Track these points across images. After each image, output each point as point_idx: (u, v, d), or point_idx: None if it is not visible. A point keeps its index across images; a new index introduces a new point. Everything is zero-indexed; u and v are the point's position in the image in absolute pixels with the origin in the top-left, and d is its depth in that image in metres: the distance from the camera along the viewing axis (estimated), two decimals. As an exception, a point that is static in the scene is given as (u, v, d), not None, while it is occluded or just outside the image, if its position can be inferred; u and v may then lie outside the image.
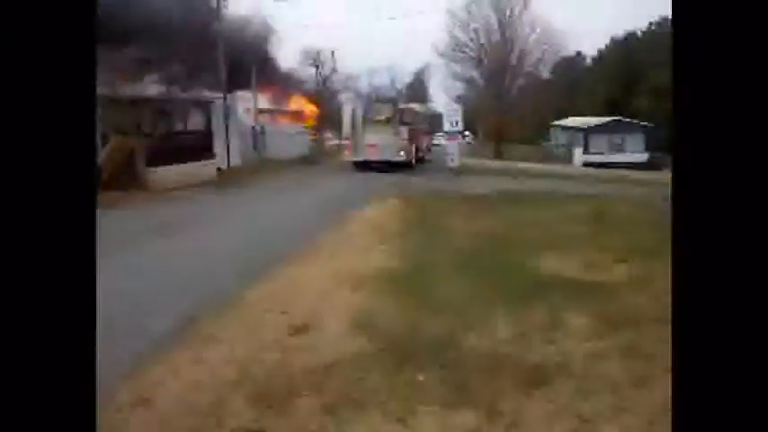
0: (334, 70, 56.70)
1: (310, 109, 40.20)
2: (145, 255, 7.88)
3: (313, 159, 29.07)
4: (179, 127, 19.35)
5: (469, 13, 40.27)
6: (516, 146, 44.88)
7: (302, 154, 30.93)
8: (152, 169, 17.44)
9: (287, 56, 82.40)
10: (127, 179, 16.82)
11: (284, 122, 37.68)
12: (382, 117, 22.01)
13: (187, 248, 8.43)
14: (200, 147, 20.06)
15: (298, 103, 40.82)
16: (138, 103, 16.68)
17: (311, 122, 38.38)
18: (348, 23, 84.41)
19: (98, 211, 2.11)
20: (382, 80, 57.85)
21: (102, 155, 16.86)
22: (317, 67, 57.91)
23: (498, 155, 39.75)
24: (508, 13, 38.95)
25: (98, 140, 16.89)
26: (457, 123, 13.13)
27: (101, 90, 16.06)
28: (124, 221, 10.70)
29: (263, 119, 34.05)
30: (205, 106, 20.34)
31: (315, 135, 37.24)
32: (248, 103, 28.32)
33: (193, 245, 8.74)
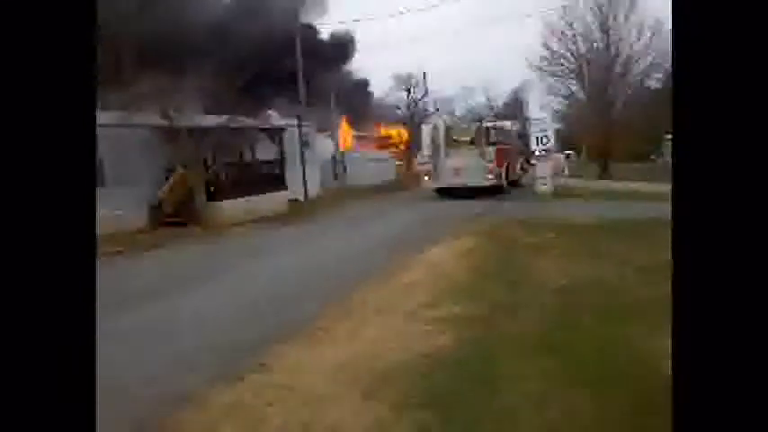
0: (425, 93, 55.66)
1: (398, 134, 38.71)
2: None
3: (397, 186, 27.29)
4: (247, 157, 18.14)
5: (566, 20, 37.02)
6: (625, 164, 40.64)
7: (385, 180, 29.32)
8: (216, 203, 16.30)
9: (378, 81, 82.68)
10: (187, 214, 15.78)
11: (370, 149, 36.36)
12: (466, 137, 19.73)
13: (160, 317, 6.60)
14: (271, 177, 18.79)
15: (385, 128, 39.58)
16: (202, 133, 15.57)
17: (399, 147, 36.79)
18: (442, 44, 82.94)
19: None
20: (478, 100, 55.88)
21: (164, 189, 15.97)
22: (408, 90, 57.06)
23: (603, 174, 35.90)
24: (611, 17, 35.26)
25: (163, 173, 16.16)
26: (546, 140, 10.59)
27: (162, 121, 15.27)
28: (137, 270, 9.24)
29: (347, 146, 33.00)
30: (276, 134, 19.07)
31: (402, 160, 35.73)
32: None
33: (174, 314, 6.76)
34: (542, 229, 10.90)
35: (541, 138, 10.67)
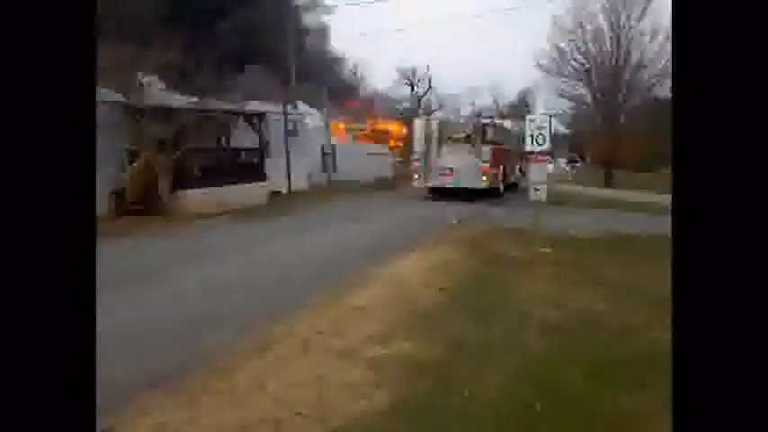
0: (429, 88, 54.20)
1: (396, 129, 37.22)
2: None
3: (390, 183, 25.88)
4: (222, 143, 16.69)
5: (576, 20, 35.44)
6: (631, 173, 39.11)
7: (380, 176, 27.89)
8: (182, 192, 14.89)
9: (382, 74, 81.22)
10: (150, 203, 14.38)
11: (367, 143, 34.89)
12: (461, 135, 18.25)
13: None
14: (248, 167, 17.35)
15: (383, 122, 38.14)
16: (167, 113, 14.13)
17: (395, 143, 35.29)
18: (449, 41, 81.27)
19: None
20: (484, 100, 54.39)
21: (127, 175, 14.56)
22: (411, 85, 55.68)
23: (608, 183, 34.42)
24: (623, 18, 33.65)
25: (124, 157, 14.75)
26: (543, 140, 9.12)
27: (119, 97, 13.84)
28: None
29: (341, 138, 31.57)
30: (256, 120, 17.62)
31: (401, 157, 34.34)
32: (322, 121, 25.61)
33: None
34: (534, 240, 9.48)
35: (537, 137, 9.17)
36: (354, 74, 44.86)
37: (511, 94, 56.74)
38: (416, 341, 4.70)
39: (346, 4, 60.80)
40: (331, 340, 4.69)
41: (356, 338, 4.72)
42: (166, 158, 14.04)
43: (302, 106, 24.05)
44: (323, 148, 24.93)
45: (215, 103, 14.99)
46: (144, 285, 6.91)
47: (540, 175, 9.59)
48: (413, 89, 55.36)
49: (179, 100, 14.33)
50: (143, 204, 14.36)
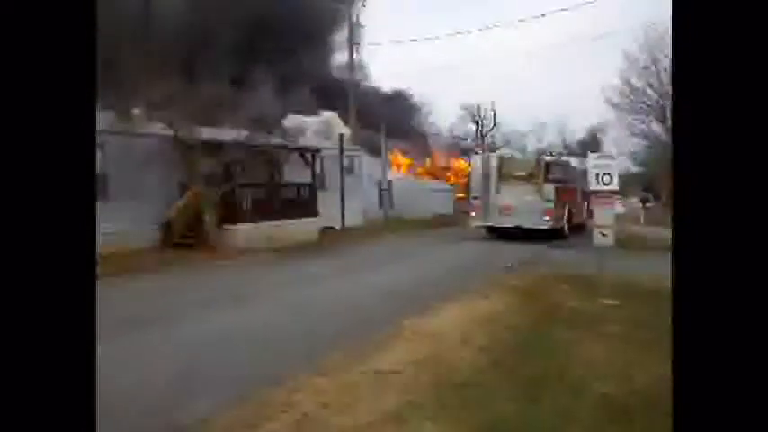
0: (494, 125, 53.20)
1: (458, 165, 36.46)
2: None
3: (449, 221, 24.96)
4: (275, 178, 16.37)
5: (650, 55, 33.83)
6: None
7: (439, 213, 27.07)
8: (231, 227, 14.60)
9: (447, 110, 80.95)
10: (197, 237, 14.14)
11: (428, 179, 34.27)
12: (523, 172, 17.20)
13: None
14: (300, 202, 16.96)
15: (445, 158, 37.51)
16: (216, 148, 13.96)
17: (457, 179, 34.46)
18: (517, 77, 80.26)
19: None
20: (552, 137, 52.86)
21: (174, 209, 14.43)
22: (476, 122, 54.91)
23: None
24: (702, 52, 31.85)
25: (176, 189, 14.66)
26: (609, 178, 8.11)
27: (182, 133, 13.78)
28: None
29: (401, 174, 31.09)
30: (309, 156, 17.27)
31: (463, 194, 33.51)
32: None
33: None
34: (600, 291, 8.36)
35: (602, 176, 8.16)
36: (418, 110, 44.53)
37: (580, 132, 54.75)
38: (442, 423, 3.81)
39: (410, 40, 61.34)
40: (336, 417, 3.87)
41: (367, 415, 3.89)
42: (213, 193, 13.79)
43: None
44: (380, 184, 24.46)
45: (265, 138, 14.69)
46: (138, 334, 6.34)
47: (606, 218, 8.52)
48: (477, 126, 54.65)
49: (228, 134, 14.10)
50: (191, 238, 14.15)
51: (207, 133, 13.73)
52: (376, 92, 35.81)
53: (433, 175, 34.52)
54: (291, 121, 19.49)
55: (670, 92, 33.67)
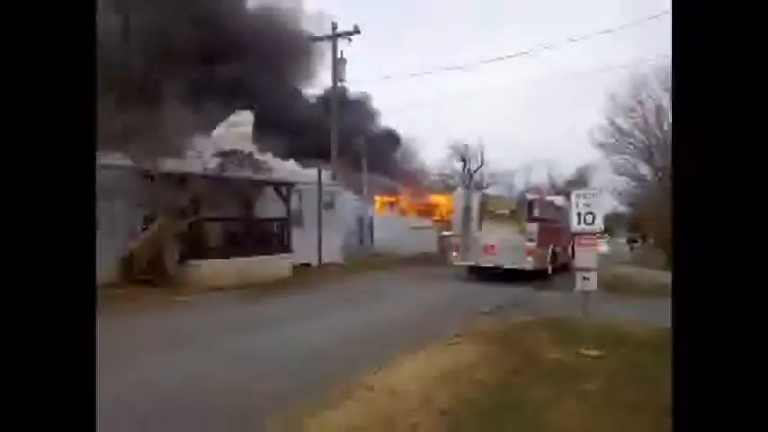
0: (481, 164, 52.99)
1: (443, 202, 35.90)
2: None
3: (431, 258, 24.18)
4: (241, 213, 15.59)
5: (635, 97, 33.79)
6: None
7: (423, 251, 26.32)
8: (195, 263, 13.77)
9: (434, 147, 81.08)
10: (159, 273, 13.29)
11: (413, 216, 33.65)
12: (505, 210, 16.58)
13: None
14: (272, 238, 16.21)
15: (429, 195, 36.97)
16: (180, 180, 13.24)
17: (441, 216, 33.86)
18: (505, 116, 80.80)
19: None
20: (539, 176, 52.72)
21: (137, 242, 13.59)
22: (463, 161, 54.72)
23: (670, 265, 31.59)
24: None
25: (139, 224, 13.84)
26: (592, 218, 7.47)
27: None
28: None
29: (384, 211, 30.48)
30: (284, 189, 16.58)
31: (449, 231, 32.85)
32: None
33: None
34: (581, 338, 7.62)
35: (585, 215, 7.53)
36: (402, 146, 44.27)
37: (568, 172, 54.71)
38: None
39: (403, 76, 61.61)
40: None
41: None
42: (176, 226, 13.01)
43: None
44: (360, 221, 23.79)
45: (235, 170, 14.03)
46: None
47: (588, 261, 7.85)
48: (465, 165, 54.39)
49: (194, 165, 13.40)
50: (152, 273, 13.29)
51: (171, 164, 13.01)
52: (362, 129, 35.50)
53: (420, 212, 33.94)
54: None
55: (656, 133, 33.74)
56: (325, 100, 27.11)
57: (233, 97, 17.75)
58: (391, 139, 41.28)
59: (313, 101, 31.62)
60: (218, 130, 16.65)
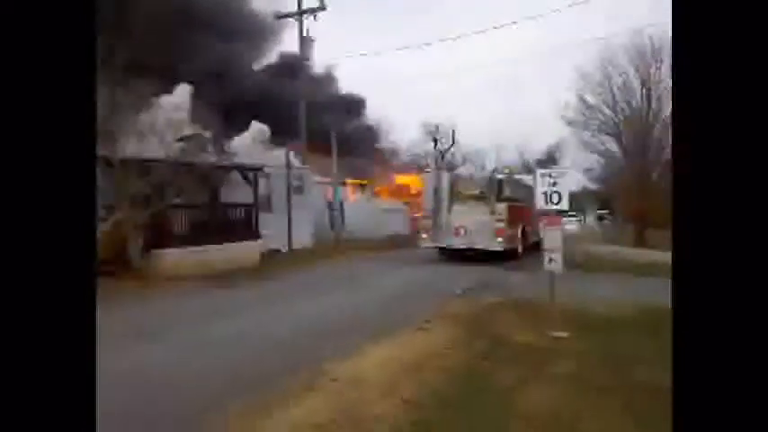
0: (452, 144, 52.89)
1: (415, 183, 35.77)
2: None
3: (402, 241, 24.06)
4: (205, 198, 15.16)
5: (605, 73, 33.94)
6: (663, 231, 36.63)
7: (394, 234, 26.21)
8: (159, 252, 13.40)
9: (408, 125, 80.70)
10: (121, 263, 12.88)
11: (385, 198, 33.47)
12: (474, 191, 16.48)
13: None
14: (240, 225, 15.86)
15: (401, 176, 36.81)
16: (140, 166, 12.79)
17: (412, 198, 33.75)
18: (477, 94, 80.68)
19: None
20: (511, 155, 52.78)
21: (100, 232, 13.14)
22: (435, 140, 54.55)
23: (640, 242, 32.03)
24: (653, 70, 32.05)
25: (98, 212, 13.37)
26: (558, 198, 7.37)
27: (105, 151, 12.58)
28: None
29: (354, 193, 30.27)
30: (251, 174, 16.20)
31: (420, 213, 32.77)
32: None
33: None
34: (549, 319, 7.57)
35: (551, 194, 7.43)
36: (373, 126, 43.85)
37: (540, 150, 54.93)
38: None
39: (375, 54, 61.11)
40: None
41: None
42: (138, 215, 12.60)
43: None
44: (330, 205, 23.50)
45: (200, 156, 13.62)
46: None
47: (554, 241, 7.76)
48: (436, 144, 54.23)
49: (155, 150, 12.95)
50: (113, 264, 12.88)
51: (131, 150, 12.55)
52: (330, 106, 34.97)
53: (393, 194, 33.75)
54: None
55: (623, 108, 33.96)
56: (282, 72, 26.55)
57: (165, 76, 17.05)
58: (356, 104, 40.76)
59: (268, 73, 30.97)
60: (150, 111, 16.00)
